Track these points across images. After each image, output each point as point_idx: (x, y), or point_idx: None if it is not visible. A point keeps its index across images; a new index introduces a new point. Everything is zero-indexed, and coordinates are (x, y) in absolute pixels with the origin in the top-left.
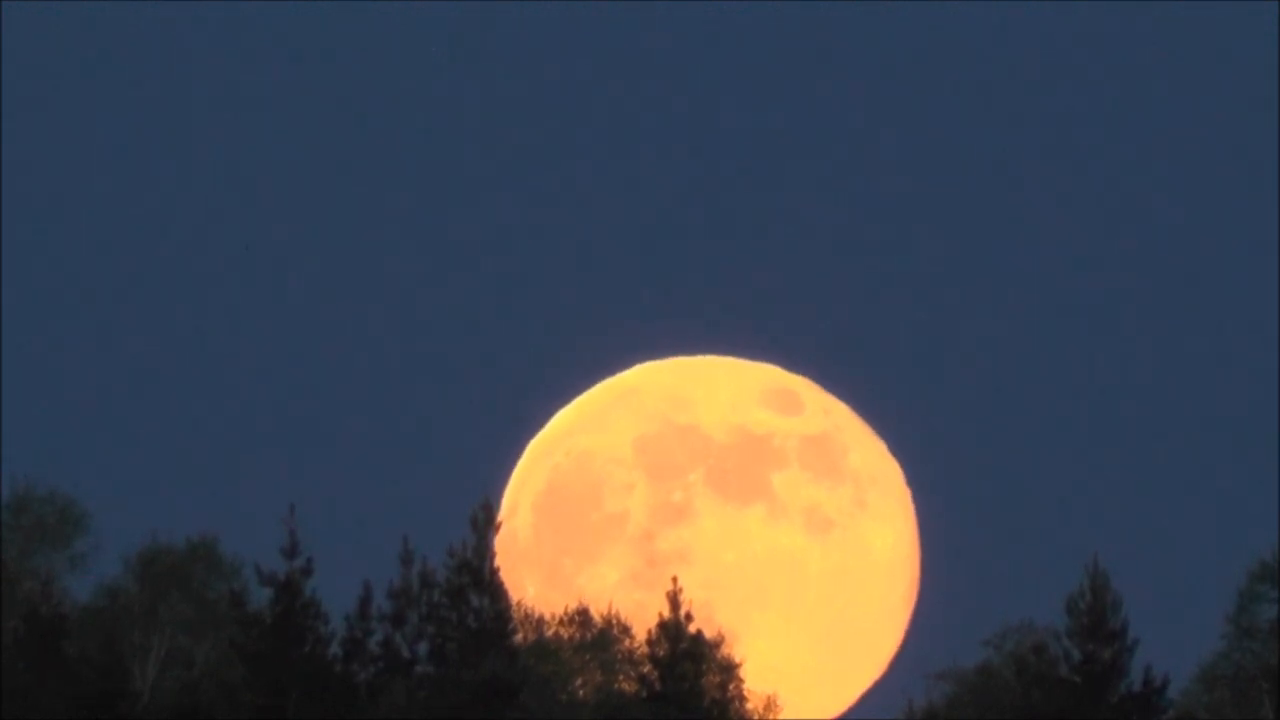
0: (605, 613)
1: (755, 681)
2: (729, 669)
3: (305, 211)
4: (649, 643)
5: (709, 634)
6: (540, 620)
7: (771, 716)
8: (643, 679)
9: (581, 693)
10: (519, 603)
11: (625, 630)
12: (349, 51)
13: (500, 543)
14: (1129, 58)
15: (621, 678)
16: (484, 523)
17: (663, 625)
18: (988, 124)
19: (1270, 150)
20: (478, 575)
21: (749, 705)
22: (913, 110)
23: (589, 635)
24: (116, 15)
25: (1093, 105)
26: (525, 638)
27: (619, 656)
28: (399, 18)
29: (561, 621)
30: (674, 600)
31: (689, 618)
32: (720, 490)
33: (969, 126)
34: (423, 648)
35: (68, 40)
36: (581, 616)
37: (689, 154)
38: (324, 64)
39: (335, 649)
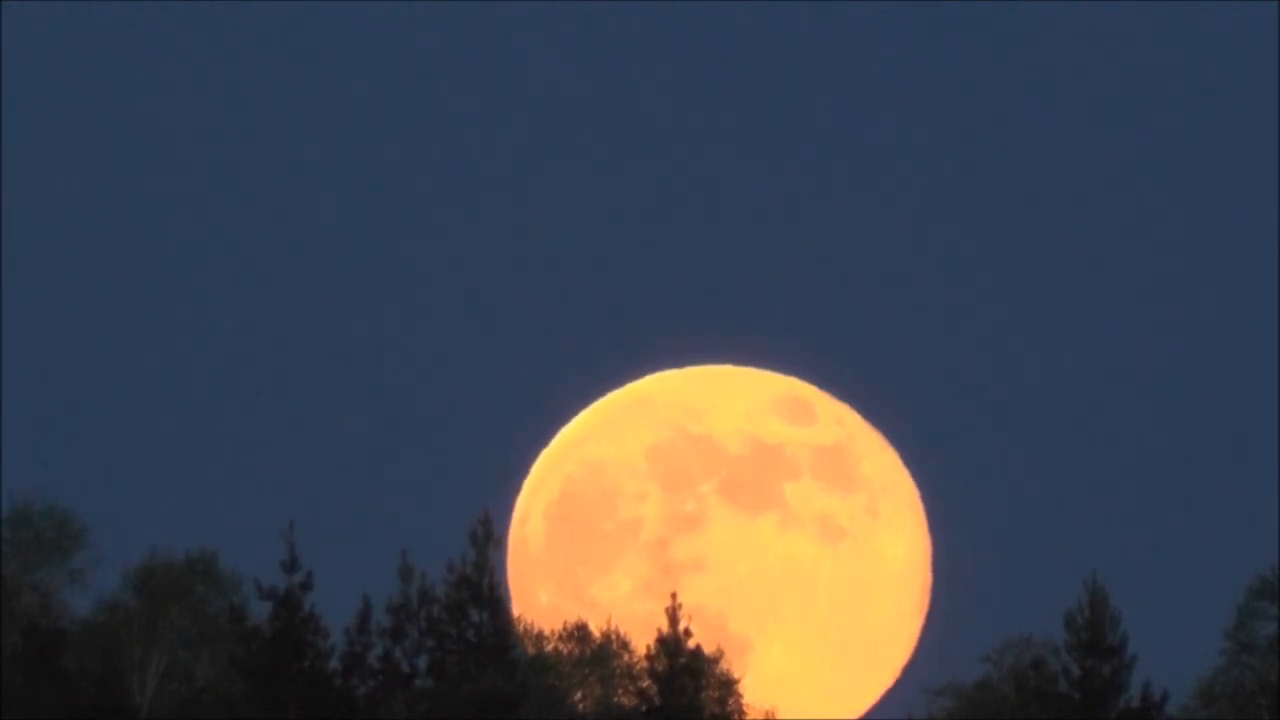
0: (605, 628)
1: (768, 689)
2: (728, 684)
3: (309, 221)
4: (648, 657)
5: (718, 643)
6: (540, 635)
7: None
8: (642, 694)
9: (581, 706)
10: (519, 617)
11: (624, 645)
12: (357, 54)
13: (512, 551)
14: (1129, 58)
15: (621, 692)
16: (484, 538)
17: (661, 640)
18: (1003, 129)
19: (1270, 150)
20: (477, 590)
21: (749, 719)
22: (929, 116)
23: (588, 650)
24: (116, 15)
25: (1097, 105)
26: (525, 652)
27: (618, 671)
28: (403, 18)
29: (560, 637)
30: (673, 615)
31: (688, 633)
32: (733, 500)
33: (986, 131)
34: (422, 662)
35: (68, 40)
36: (580, 632)
37: (703, 162)
38: (330, 65)
39: (335, 663)
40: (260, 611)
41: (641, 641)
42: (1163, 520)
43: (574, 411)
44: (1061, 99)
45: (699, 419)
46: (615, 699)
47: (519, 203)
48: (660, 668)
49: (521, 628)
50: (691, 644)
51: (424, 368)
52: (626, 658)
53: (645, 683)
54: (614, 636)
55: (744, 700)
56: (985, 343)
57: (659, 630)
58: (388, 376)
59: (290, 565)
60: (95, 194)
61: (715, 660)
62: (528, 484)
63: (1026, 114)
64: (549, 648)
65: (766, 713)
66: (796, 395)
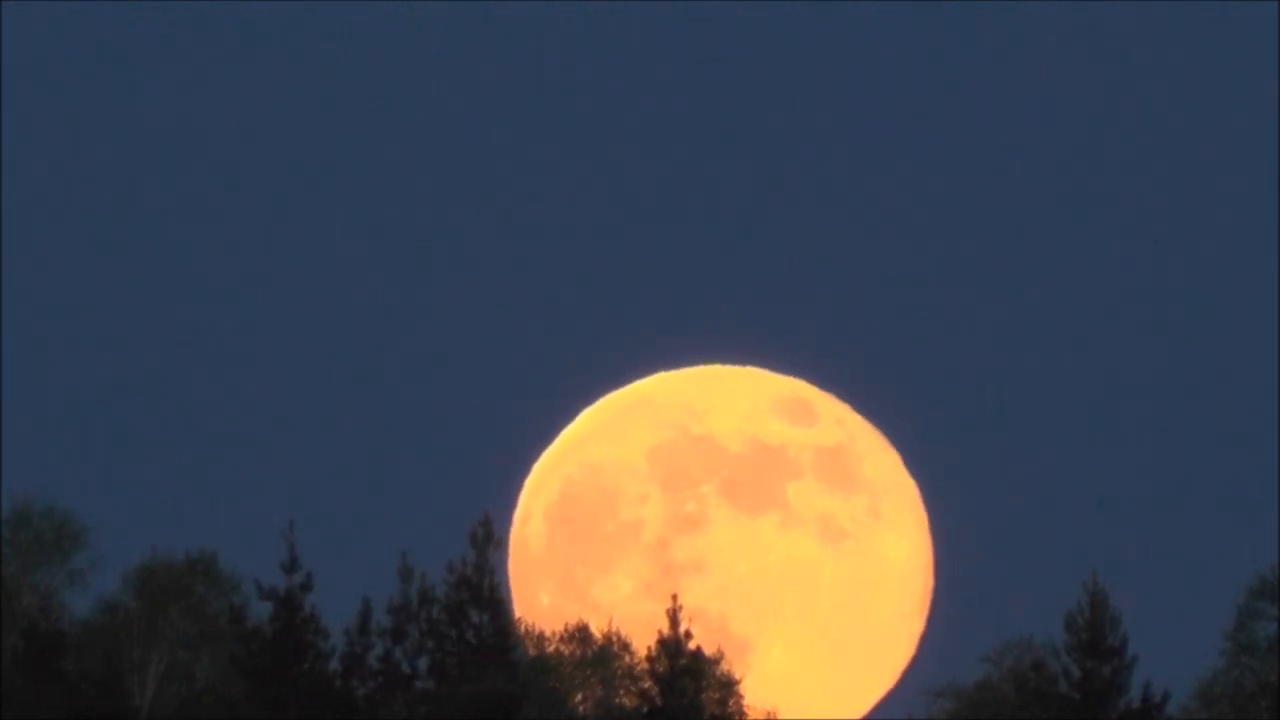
0: (606, 629)
1: (769, 690)
2: (728, 685)
3: (309, 221)
4: (649, 659)
5: (719, 645)
6: (540, 636)
7: None
8: (643, 695)
9: (582, 708)
10: (519, 618)
11: (625, 646)
12: (357, 53)
13: (513, 552)
14: (1129, 58)
15: (622, 693)
16: (483, 539)
17: (662, 642)
18: (1003, 129)
19: (1270, 150)
20: (477, 591)
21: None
22: (929, 116)
23: (589, 652)
24: (116, 15)
25: (1097, 105)
26: (526, 653)
27: (619, 672)
28: (403, 18)
29: (561, 638)
30: (673, 617)
31: (688, 634)
32: (734, 500)
33: (986, 131)
34: (422, 663)
35: (68, 40)
36: (581, 633)
37: (705, 163)
38: (330, 65)
39: (335, 664)
40: (260, 612)
41: (643, 642)
42: (1163, 520)
43: (575, 412)
44: (1061, 99)
45: (700, 419)
46: (616, 700)
47: (519, 203)
48: (661, 669)
49: (522, 628)
50: (692, 645)
51: (424, 368)
52: (627, 659)
53: (646, 684)
54: (615, 638)
55: (744, 701)
56: (985, 343)
57: (660, 631)
58: (388, 377)
59: (290, 566)
60: (95, 194)
61: (716, 661)
62: (528, 484)
63: (1026, 114)
64: (550, 649)
65: (767, 713)
66: (798, 396)
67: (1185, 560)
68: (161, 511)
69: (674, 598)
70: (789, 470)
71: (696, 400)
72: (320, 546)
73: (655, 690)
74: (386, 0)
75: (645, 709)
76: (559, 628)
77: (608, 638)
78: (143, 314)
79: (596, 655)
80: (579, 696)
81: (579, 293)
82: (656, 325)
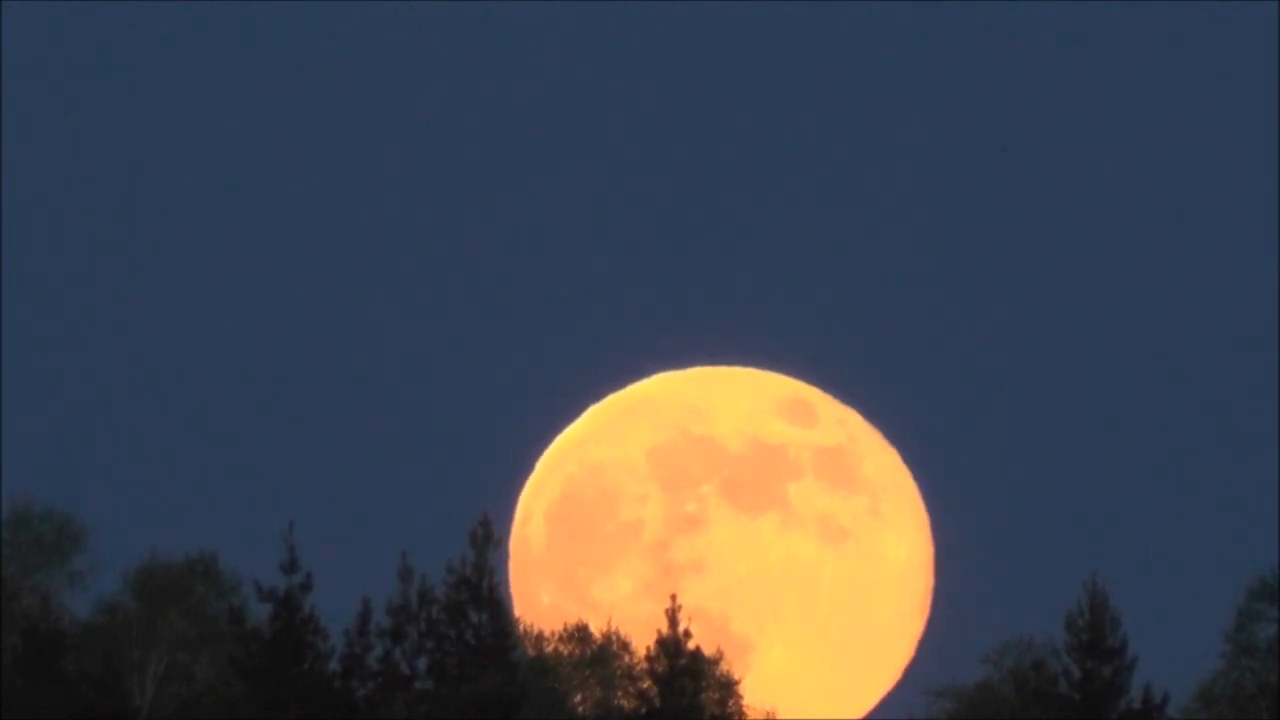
0: (605, 629)
1: (769, 690)
2: (728, 685)
3: (309, 222)
4: (648, 659)
5: (719, 644)
6: (540, 636)
7: None
8: (642, 695)
9: (581, 709)
10: (519, 618)
11: (625, 646)
12: (357, 53)
13: (514, 551)
14: (1129, 58)
15: (621, 694)
16: (483, 539)
17: (661, 642)
18: (1004, 129)
19: (1270, 150)
20: (477, 592)
21: None
22: (929, 116)
23: (588, 651)
24: (116, 15)
25: (1097, 105)
26: (525, 653)
27: (618, 672)
28: (403, 18)
29: (561, 638)
30: (672, 617)
31: (688, 634)
32: (734, 500)
33: (987, 131)
34: (422, 663)
35: (68, 40)
36: (581, 633)
37: (705, 163)
38: (330, 65)
39: (334, 665)
40: (260, 613)
41: (642, 642)
42: (1163, 520)
43: (576, 412)
44: (1061, 99)
45: (701, 419)
46: (615, 700)
47: (520, 203)
48: (660, 669)
49: (521, 628)
50: (691, 645)
51: (425, 368)
52: (627, 659)
53: (645, 684)
54: (614, 638)
55: (744, 701)
56: (986, 343)
57: (659, 631)
58: (388, 377)
59: (290, 566)
60: (96, 194)
61: (715, 661)
62: (529, 485)
63: (1027, 114)
64: (549, 649)
65: (767, 713)
66: (799, 397)
67: (1185, 560)
68: (161, 511)
69: (673, 598)
70: (789, 470)
71: (697, 400)
72: (320, 546)
73: (654, 690)
74: (386, 0)
75: (644, 709)
76: (559, 628)
77: (607, 638)
78: (143, 314)
79: (596, 655)
80: (578, 697)
81: (579, 293)
82: (656, 325)
